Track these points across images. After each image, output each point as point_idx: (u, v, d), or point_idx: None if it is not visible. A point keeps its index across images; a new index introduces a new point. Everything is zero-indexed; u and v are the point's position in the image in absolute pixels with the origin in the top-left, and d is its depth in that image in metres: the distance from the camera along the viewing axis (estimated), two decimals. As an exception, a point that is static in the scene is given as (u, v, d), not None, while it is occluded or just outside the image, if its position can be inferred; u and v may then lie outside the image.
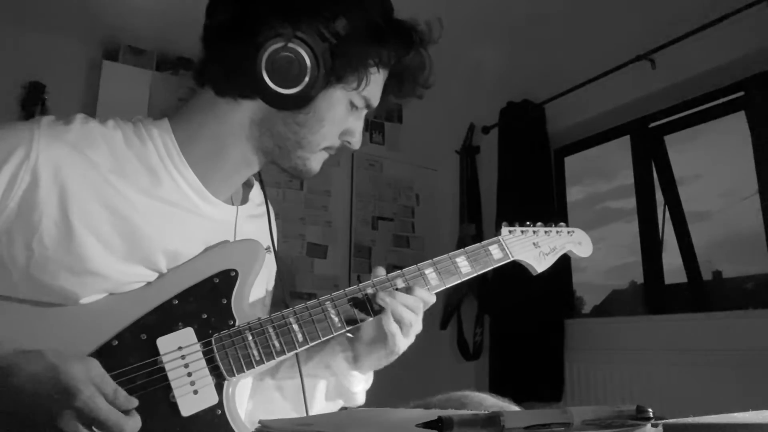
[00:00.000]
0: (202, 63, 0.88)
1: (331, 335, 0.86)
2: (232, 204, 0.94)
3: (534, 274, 1.12)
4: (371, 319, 0.90)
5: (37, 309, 0.75)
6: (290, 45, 0.79)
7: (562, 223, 1.17)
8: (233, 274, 0.84)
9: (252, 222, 0.97)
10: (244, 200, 0.98)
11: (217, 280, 0.84)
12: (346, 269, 3.11)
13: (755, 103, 2.31)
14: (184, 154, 0.86)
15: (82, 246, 0.75)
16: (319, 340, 0.86)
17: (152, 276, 0.82)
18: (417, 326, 0.90)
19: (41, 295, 0.75)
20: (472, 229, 3.22)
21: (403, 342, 0.90)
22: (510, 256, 1.07)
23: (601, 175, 3.38)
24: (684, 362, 2.26)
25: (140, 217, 0.80)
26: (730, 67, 2.32)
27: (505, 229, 1.11)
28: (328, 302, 0.88)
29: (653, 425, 0.50)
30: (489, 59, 2.85)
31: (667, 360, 2.33)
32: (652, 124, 2.74)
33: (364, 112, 0.93)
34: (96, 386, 0.65)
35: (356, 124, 0.92)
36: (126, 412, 0.68)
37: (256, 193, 1.02)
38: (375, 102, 0.92)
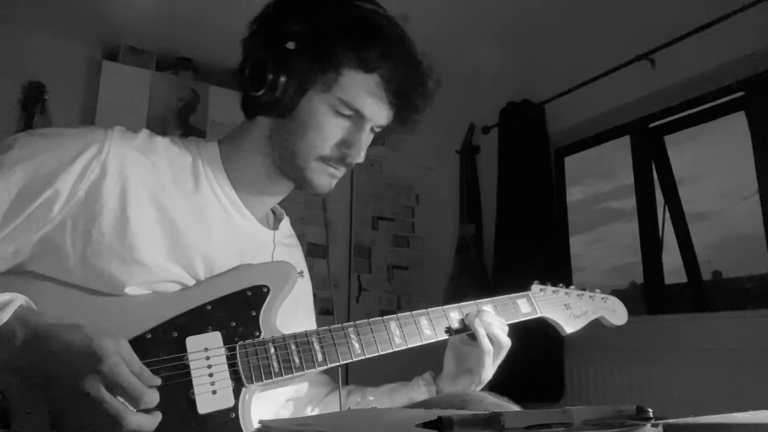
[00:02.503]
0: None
1: (350, 359, 0.90)
2: (268, 227, 1.02)
3: (563, 334, 1.14)
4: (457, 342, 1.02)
5: (84, 295, 0.81)
6: (253, 52, 0.89)
7: (597, 290, 1.19)
8: (265, 290, 0.90)
9: (284, 249, 1.05)
10: (275, 228, 1.05)
11: (249, 293, 0.90)
12: (346, 269, 3.12)
13: (755, 103, 2.31)
14: (228, 176, 0.96)
15: (133, 237, 0.83)
16: (338, 363, 0.90)
17: (188, 277, 0.88)
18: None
19: (92, 280, 0.81)
20: (472, 229, 3.22)
21: (490, 364, 0.99)
22: (538, 312, 1.11)
23: (601, 175, 3.38)
24: (684, 362, 2.26)
25: (184, 222, 0.88)
26: (730, 67, 2.32)
27: (536, 287, 1.13)
28: (351, 328, 0.93)
29: (653, 425, 0.50)
30: (489, 59, 2.84)
31: (667, 360, 2.33)
32: (652, 124, 2.74)
33: (365, 124, 0.93)
34: (123, 359, 0.70)
35: (354, 136, 0.93)
36: None
37: (285, 225, 1.11)
38: (365, 110, 0.92)
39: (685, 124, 2.64)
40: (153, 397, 0.70)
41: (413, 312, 0.98)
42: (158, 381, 0.73)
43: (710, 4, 2.24)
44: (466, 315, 1.00)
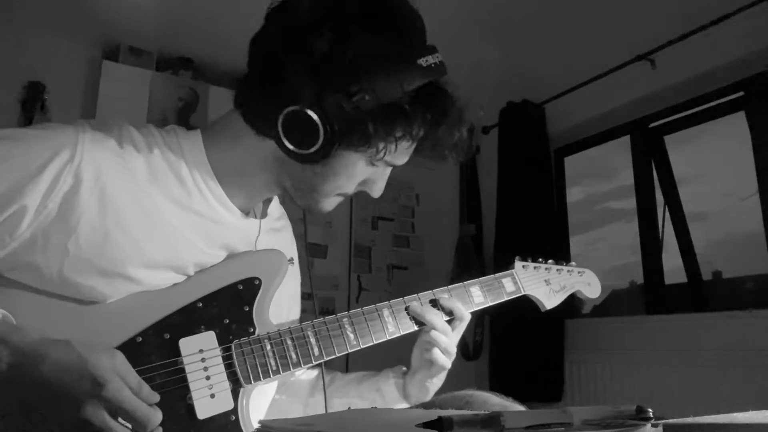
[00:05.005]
0: (240, 92, 0.87)
1: (346, 351, 0.89)
2: (255, 218, 0.96)
3: (543, 310, 1.13)
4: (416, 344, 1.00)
5: (65, 303, 0.77)
6: (306, 110, 0.77)
7: (573, 263, 1.20)
8: (257, 282, 0.87)
9: (272, 235, 0.99)
10: (263, 214, 1.00)
11: (241, 287, 0.86)
12: (346, 269, 3.11)
13: (755, 103, 2.31)
14: (213, 169, 0.87)
15: (116, 249, 0.77)
16: (334, 356, 0.88)
17: (178, 279, 0.84)
18: (450, 344, 0.97)
19: (71, 294, 0.77)
20: (472, 229, 3.22)
21: (442, 358, 0.96)
22: (522, 290, 1.09)
23: (601, 175, 3.39)
24: (684, 362, 2.26)
25: (171, 225, 0.82)
26: (730, 67, 2.32)
27: (518, 264, 1.12)
28: (345, 319, 0.91)
29: (653, 425, 0.51)
30: (489, 59, 2.85)
31: (667, 360, 2.33)
32: (652, 124, 2.74)
33: (389, 169, 0.91)
34: (121, 377, 0.66)
35: (377, 175, 0.90)
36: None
37: (275, 207, 1.05)
38: (399, 163, 0.89)
39: (685, 124, 2.64)
40: (158, 417, 0.67)
41: (405, 297, 0.97)
42: (157, 398, 0.69)
43: (710, 4, 2.24)
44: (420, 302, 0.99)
